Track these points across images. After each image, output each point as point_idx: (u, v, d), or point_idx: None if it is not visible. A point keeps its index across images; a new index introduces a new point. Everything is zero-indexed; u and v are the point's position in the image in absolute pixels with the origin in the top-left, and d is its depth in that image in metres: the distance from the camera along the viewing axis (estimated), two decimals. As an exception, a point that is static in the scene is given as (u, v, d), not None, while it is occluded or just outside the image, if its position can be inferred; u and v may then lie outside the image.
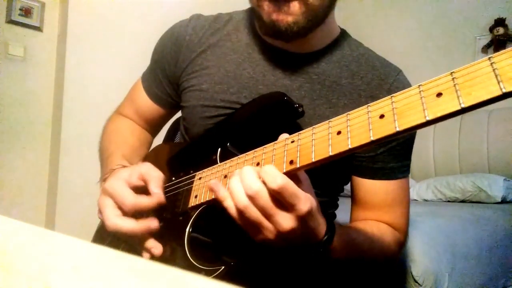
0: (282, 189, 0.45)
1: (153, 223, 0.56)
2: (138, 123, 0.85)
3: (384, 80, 0.69)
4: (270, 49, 0.71)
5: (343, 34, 0.75)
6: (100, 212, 0.59)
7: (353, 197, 0.73)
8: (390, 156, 0.68)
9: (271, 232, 0.48)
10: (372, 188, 0.70)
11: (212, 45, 0.74)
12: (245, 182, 0.47)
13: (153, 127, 0.87)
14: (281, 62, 0.70)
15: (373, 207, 0.70)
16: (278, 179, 0.45)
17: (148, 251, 0.58)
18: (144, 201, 0.56)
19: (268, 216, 0.47)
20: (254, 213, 0.48)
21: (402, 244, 0.72)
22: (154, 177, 0.58)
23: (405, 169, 0.71)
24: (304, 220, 0.47)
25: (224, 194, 0.50)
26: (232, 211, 0.49)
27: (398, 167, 0.70)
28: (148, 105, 0.82)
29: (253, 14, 0.75)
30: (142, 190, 0.58)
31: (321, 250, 0.52)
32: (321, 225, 0.52)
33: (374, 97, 0.67)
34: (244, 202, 0.48)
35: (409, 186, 0.73)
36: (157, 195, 0.56)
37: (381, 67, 0.71)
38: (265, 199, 0.47)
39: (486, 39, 2.56)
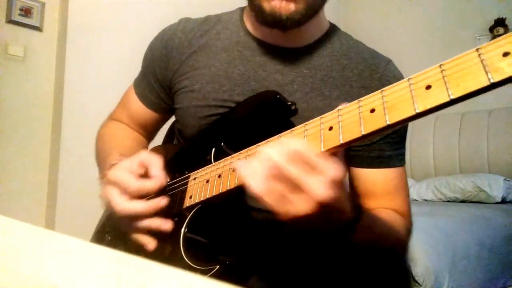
0: (296, 155, 0.41)
1: (162, 201, 0.57)
2: (132, 128, 0.85)
3: (375, 70, 0.70)
4: (260, 45, 0.72)
5: (333, 28, 0.76)
6: (106, 203, 0.59)
7: (353, 190, 0.73)
8: (386, 144, 0.69)
9: (302, 202, 0.42)
10: (372, 177, 0.70)
11: (202, 46, 0.74)
12: (262, 157, 0.44)
13: (147, 132, 0.87)
14: (272, 57, 0.71)
15: (375, 196, 0.70)
16: (291, 145, 0.42)
17: (144, 245, 0.58)
18: (148, 184, 0.58)
19: (297, 185, 0.42)
20: (279, 186, 0.43)
21: (410, 231, 0.71)
22: (154, 162, 0.60)
23: (401, 157, 0.72)
24: (336, 184, 0.42)
25: (246, 173, 0.46)
26: (257, 189, 0.44)
27: (394, 155, 0.70)
28: (141, 111, 0.82)
29: (242, 12, 0.76)
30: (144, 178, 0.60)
31: (347, 228, 0.49)
32: (347, 201, 0.46)
33: (366, 87, 0.68)
34: (268, 177, 0.43)
35: (406, 175, 0.74)
36: (159, 177, 0.58)
37: (371, 58, 0.72)
38: (288, 169, 0.42)
39: (486, 39, 2.55)
